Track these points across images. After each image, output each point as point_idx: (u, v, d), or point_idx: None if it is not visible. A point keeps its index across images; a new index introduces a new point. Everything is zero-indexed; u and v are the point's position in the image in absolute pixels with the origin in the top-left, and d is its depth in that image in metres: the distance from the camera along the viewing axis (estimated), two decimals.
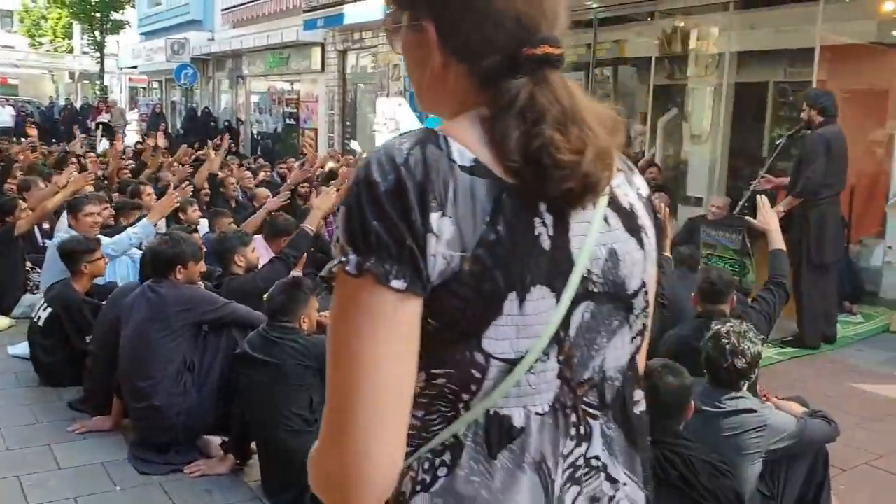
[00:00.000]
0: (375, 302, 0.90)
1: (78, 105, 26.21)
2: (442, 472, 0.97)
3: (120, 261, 5.24)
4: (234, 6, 19.65)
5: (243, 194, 8.76)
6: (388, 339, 0.91)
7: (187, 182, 6.06)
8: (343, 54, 16.15)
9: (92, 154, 12.01)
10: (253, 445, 3.70)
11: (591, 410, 1.04)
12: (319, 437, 0.96)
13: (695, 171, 10.02)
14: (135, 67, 28.77)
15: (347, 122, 16.63)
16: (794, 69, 9.01)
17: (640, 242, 1.06)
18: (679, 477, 2.49)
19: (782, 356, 5.65)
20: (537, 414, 0.99)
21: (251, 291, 4.34)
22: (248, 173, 10.05)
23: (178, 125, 22.70)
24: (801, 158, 5.97)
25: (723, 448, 2.83)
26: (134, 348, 3.80)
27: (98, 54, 32.47)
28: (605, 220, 1.02)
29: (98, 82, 33.02)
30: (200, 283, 4.20)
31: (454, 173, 0.93)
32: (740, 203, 6.29)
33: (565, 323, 0.98)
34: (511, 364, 0.96)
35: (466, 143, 0.95)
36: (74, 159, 9.80)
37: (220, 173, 8.89)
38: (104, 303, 4.48)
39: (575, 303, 0.98)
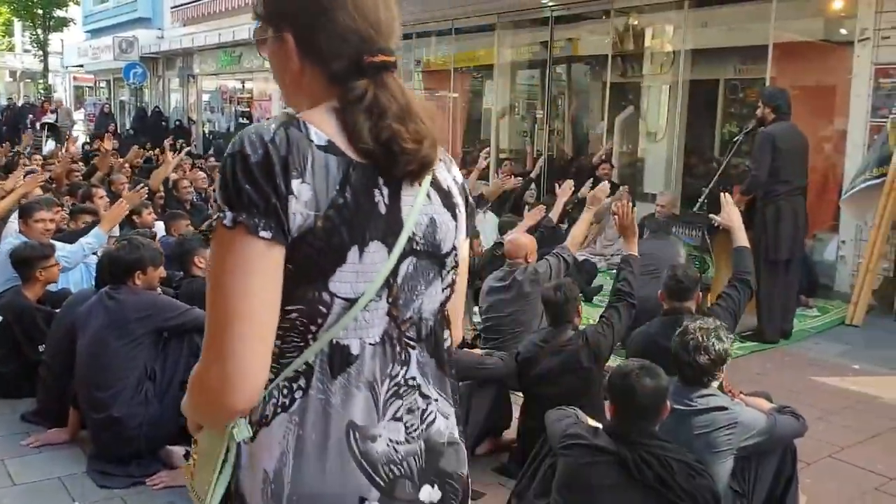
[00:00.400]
0: (247, 248, 1.14)
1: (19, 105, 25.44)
2: (298, 395, 1.22)
3: None
4: (184, 4, 19.27)
5: (198, 196, 8.59)
6: (258, 278, 1.14)
7: (142, 185, 5.90)
8: None
9: (38, 156, 11.65)
10: None
11: (410, 342, 1.30)
12: (201, 360, 1.18)
13: (651, 169, 10.14)
14: (81, 66, 28.08)
15: None
16: (746, 66, 9.18)
17: (454, 216, 1.34)
18: (656, 478, 2.49)
19: (743, 350, 5.73)
20: (370, 344, 1.25)
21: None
22: (202, 174, 9.86)
23: (128, 125, 22.22)
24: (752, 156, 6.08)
25: (695, 446, 2.84)
26: (92, 357, 3.68)
27: (41, 52, 31.59)
28: (428, 196, 1.29)
29: (41, 81, 32.15)
30: (159, 288, 4.08)
31: (311, 150, 1.17)
32: (700, 200, 6.37)
33: (394, 272, 1.24)
34: (351, 303, 1.21)
35: (322, 128, 1.20)
36: (25, 161, 9.52)
37: (173, 175, 8.70)
38: (58, 310, 4.34)
39: (402, 257, 1.25)
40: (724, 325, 3.04)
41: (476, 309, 5.31)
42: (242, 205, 1.14)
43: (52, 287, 4.76)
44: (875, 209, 6.40)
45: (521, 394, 4.00)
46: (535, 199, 8.63)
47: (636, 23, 9.98)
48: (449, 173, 1.37)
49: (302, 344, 1.22)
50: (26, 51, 36.81)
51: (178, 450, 3.73)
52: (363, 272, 1.20)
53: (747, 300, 3.90)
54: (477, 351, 4.24)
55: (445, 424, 1.35)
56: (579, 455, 2.66)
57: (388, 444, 1.25)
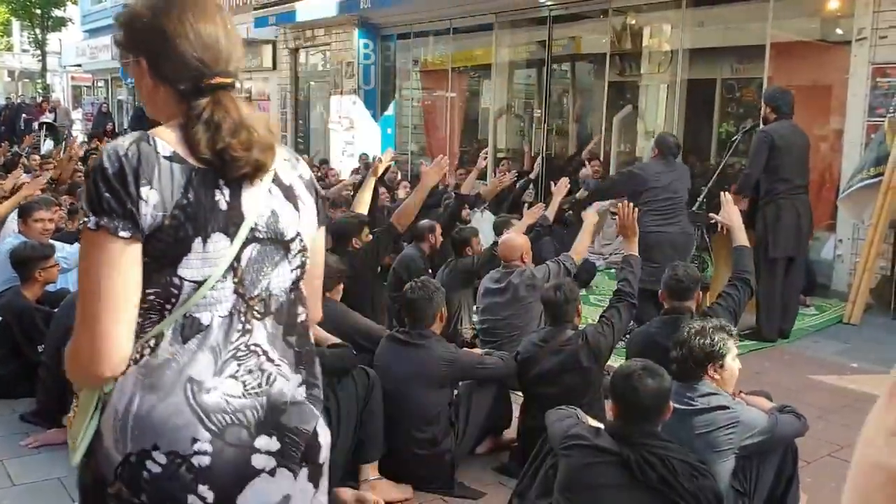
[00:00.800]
0: (110, 246, 1.38)
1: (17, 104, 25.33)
2: (147, 352, 1.46)
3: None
4: None
5: None
6: (120, 271, 1.39)
7: None
8: (295, 52, 15.96)
9: (36, 156, 11.63)
10: None
11: (257, 315, 1.53)
12: (74, 338, 1.42)
13: None
14: (79, 65, 28.03)
15: (300, 121, 16.45)
16: (743, 66, 9.18)
17: (296, 207, 1.58)
18: (659, 478, 2.49)
19: (741, 349, 5.66)
20: (220, 316, 1.49)
21: None
22: None
23: (125, 124, 22.17)
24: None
25: (696, 446, 2.85)
26: None
27: (39, 52, 31.52)
28: (269, 191, 1.54)
29: (39, 81, 32.10)
30: None
31: (159, 161, 1.42)
32: (699, 199, 6.37)
33: (238, 257, 1.48)
34: (199, 284, 1.45)
35: (168, 141, 1.45)
36: (24, 160, 9.49)
37: None
38: (56, 310, 4.33)
39: (245, 244, 1.49)
40: (724, 325, 3.04)
41: (475, 308, 5.31)
42: (104, 210, 1.38)
43: (50, 287, 4.75)
44: (872, 208, 6.41)
45: (521, 393, 4.01)
46: (533, 199, 8.63)
47: (634, 22, 9.98)
48: (294, 171, 1.63)
49: (158, 319, 1.47)
50: (24, 51, 36.73)
51: None
52: (208, 259, 1.45)
53: (747, 299, 3.91)
54: (477, 350, 4.24)
55: (288, 386, 1.56)
56: (581, 456, 2.66)
57: (220, 397, 1.48)
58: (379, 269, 5.21)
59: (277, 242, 1.54)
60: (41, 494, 3.52)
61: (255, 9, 15.20)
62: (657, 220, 5.62)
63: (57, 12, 31.13)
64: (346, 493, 3.41)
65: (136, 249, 1.40)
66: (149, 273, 1.43)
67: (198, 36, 1.49)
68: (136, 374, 1.46)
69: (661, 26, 9.81)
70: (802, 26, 8.23)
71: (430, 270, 5.62)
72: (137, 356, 1.46)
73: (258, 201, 1.51)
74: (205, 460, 1.46)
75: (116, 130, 20.02)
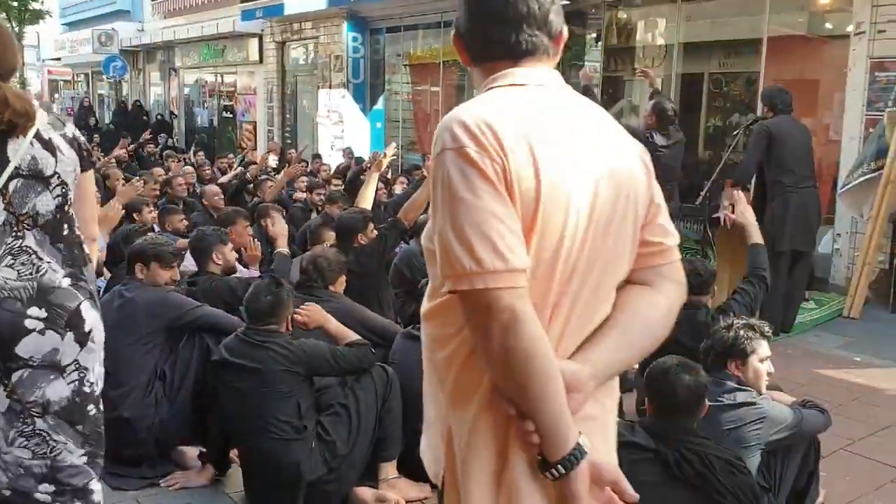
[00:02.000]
0: None
1: None
2: None
3: None
4: None
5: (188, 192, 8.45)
6: None
7: (137, 178, 5.78)
8: (282, 46, 15.81)
9: None
10: (233, 454, 3.55)
11: (27, 226, 2.25)
12: None
13: None
14: (58, 59, 27.65)
15: (287, 115, 16.31)
16: (736, 60, 9.18)
17: (53, 155, 2.27)
18: (697, 475, 2.46)
19: None
20: None
21: (227, 299, 4.13)
22: (191, 169, 9.76)
23: (107, 119, 21.93)
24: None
25: (724, 441, 2.82)
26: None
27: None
28: (31, 143, 2.21)
29: (17, 75, 31.61)
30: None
31: None
32: (702, 194, 6.37)
33: (6, 187, 2.19)
34: None
35: None
36: None
37: (158, 171, 8.58)
38: None
39: (11, 178, 2.19)
40: (756, 325, 3.04)
41: None
42: None
43: None
44: (872, 202, 6.42)
45: None
46: None
47: (628, 16, 9.96)
48: (56, 131, 2.30)
49: None
50: None
51: (192, 450, 3.68)
52: None
53: (763, 295, 3.90)
54: None
55: (55, 276, 2.27)
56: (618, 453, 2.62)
57: (1, 280, 2.20)
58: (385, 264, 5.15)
59: (38, 178, 2.24)
60: None
61: (242, 1, 15.03)
62: None
63: (34, 5, 30.60)
64: (366, 492, 3.36)
65: None
66: None
67: None
68: None
69: (655, 20, 9.80)
70: (800, 20, 8.24)
71: None
72: None
73: (21, 150, 2.19)
74: None
75: (99, 125, 19.80)
